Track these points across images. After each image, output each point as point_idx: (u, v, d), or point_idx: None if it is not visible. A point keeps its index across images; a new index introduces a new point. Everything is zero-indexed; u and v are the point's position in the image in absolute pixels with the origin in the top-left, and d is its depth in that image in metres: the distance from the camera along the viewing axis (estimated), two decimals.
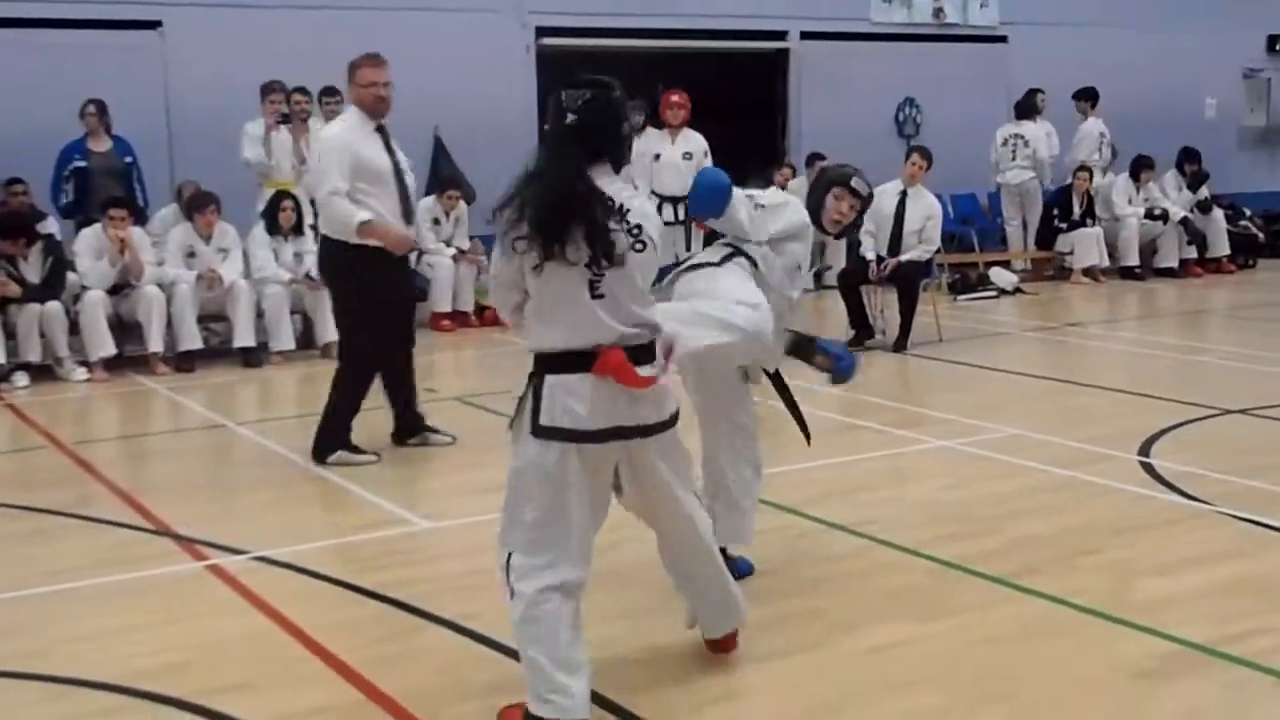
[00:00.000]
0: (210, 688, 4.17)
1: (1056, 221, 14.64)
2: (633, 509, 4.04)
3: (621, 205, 3.63)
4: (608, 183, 3.66)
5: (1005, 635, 4.56)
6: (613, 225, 3.59)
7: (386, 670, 4.30)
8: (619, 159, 3.72)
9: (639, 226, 3.65)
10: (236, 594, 5.12)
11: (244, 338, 10.32)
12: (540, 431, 3.64)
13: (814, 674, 4.24)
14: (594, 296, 3.59)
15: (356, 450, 7.05)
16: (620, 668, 4.14)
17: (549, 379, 3.64)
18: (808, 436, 5.06)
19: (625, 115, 3.74)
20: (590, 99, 3.64)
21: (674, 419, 3.84)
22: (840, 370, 5.03)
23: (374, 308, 6.90)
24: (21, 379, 9.61)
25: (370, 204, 6.76)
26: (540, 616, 3.66)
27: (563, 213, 3.54)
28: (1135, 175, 15.05)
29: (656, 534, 4.09)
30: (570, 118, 3.62)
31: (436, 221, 12.02)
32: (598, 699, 3.94)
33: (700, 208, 4.72)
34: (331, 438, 7.03)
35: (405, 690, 4.13)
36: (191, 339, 10.21)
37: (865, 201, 5.04)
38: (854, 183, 5.00)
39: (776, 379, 4.99)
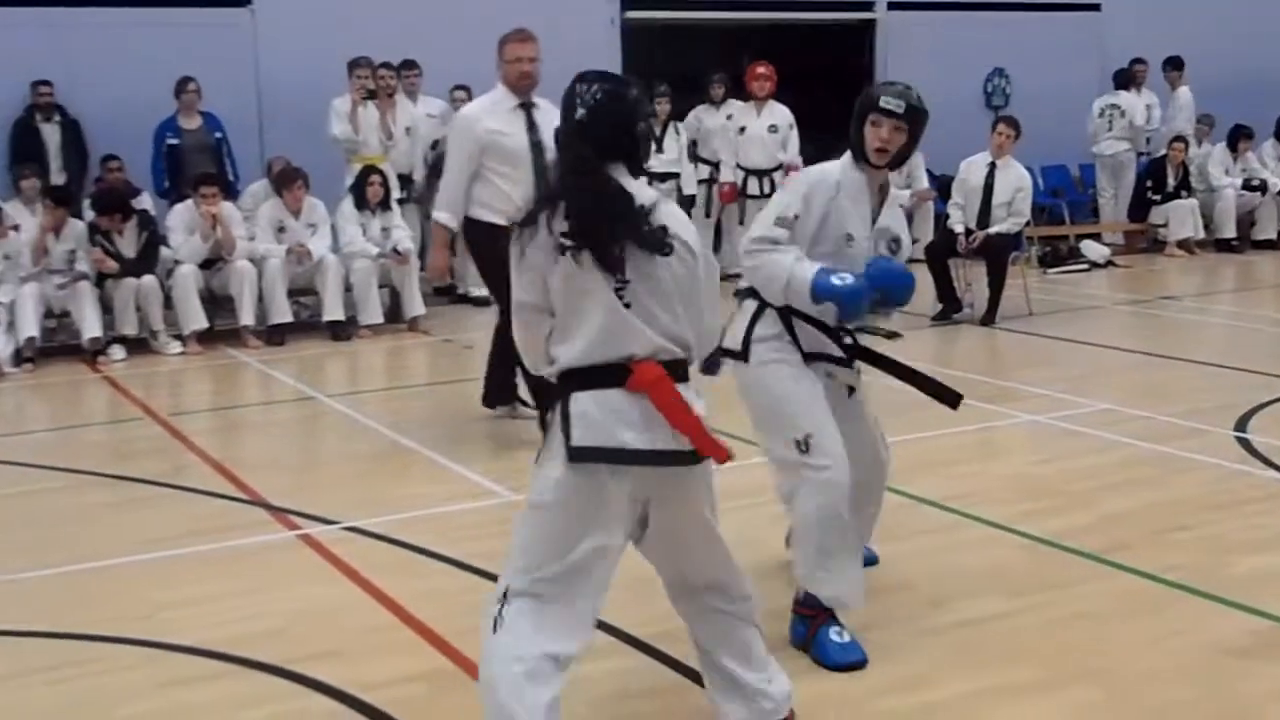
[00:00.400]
0: (301, 655, 4.25)
1: (1150, 193, 14.37)
2: (658, 552, 3.47)
3: (643, 205, 3.23)
4: (625, 183, 3.28)
5: (1097, 611, 4.50)
6: (639, 223, 3.20)
7: (474, 639, 4.28)
8: (635, 160, 3.33)
9: (663, 228, 3.23)
10: (327, 563, 5.20)
11: (333, 311, 10.45)
12: (575, 454, 3.18)
13: (904, 648, 4.21)
14: (618, 307, 3.20)
15: (524, 403, 7.14)
16: None
17: (578, 396, 3.22)
18: (952, 399, 4.33)
19: (642, 115, 3.36)
20: (601, 94, 3.29)
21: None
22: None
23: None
24: (118, 352, 9.82)
25: (499, 183, 6.77)
26: (524, 683, 3.15)
27: (580, 207, 3.19)
28: (1232, 145, 14.73)
29: (685, 591, 3.52)
30: (580, 113, 3.28)
31: None
32: (677, 665, 3.95)
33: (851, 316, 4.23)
34: (497, 388, 7.14)
35: None
36: (282, 312, 10.35)
37: (907, 118, 4.18)
38: (883, 102, 4.20)
39: (885, 361, 4.36)
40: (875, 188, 4.32)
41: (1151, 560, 4.92)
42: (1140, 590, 4.69)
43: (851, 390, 4.41)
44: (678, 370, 3.28)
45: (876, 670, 4.08)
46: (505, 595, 3.25)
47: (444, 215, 6.85)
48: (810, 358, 4.25)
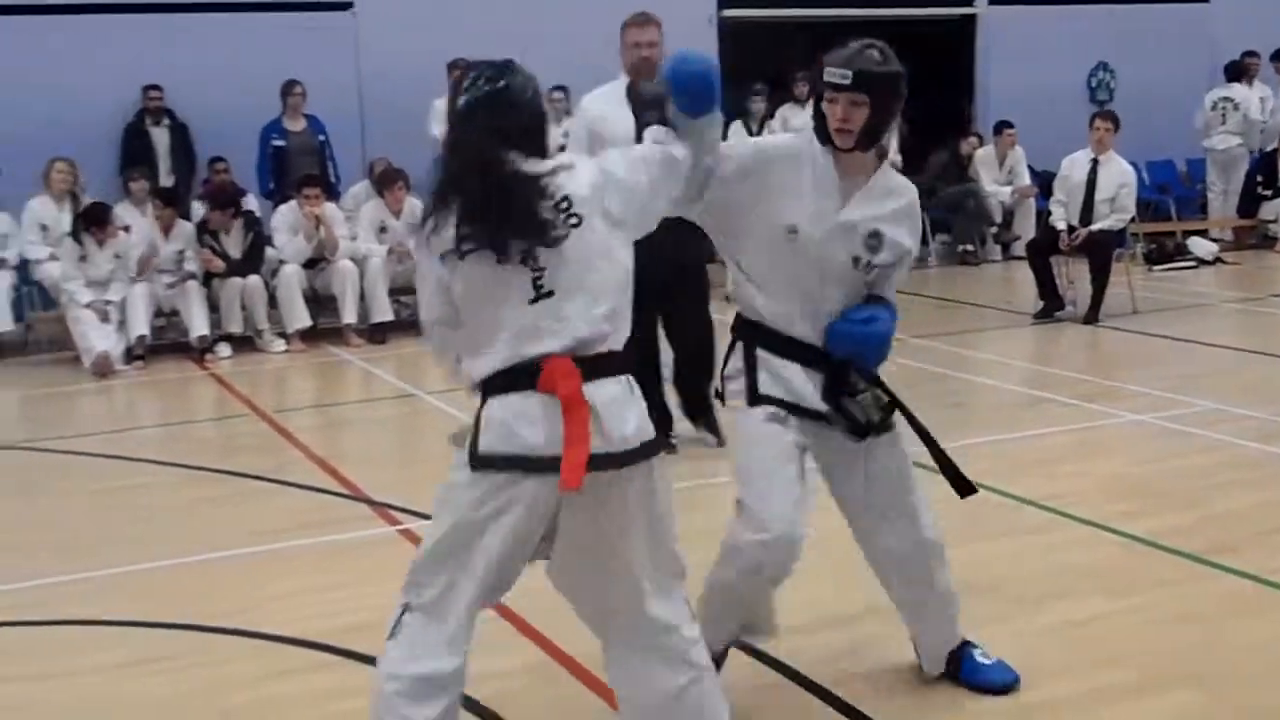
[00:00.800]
0: None
1: (1260, 189, 14.04)
2: (567, 581, 3.27)
3: (543, 184, 2.98)
4: (522, 167, 3.01)
5: (1199, 613, 4.42)
6: (536, 205, 2.96)
7: (571, 633, 4.34)
8: (532, 142, 3.05)
9: (565, 200, 2.99)
10: None
11: None
12: (479, 462, 3.02)
13: (1000, 649, 4.16)
14: (537, 298, 2.97)
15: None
16: (798, 637, 4.15)
17: (491, 402, 3.02)
18: (964, 489, 3.75)
19: (527, 92, 3.07)
20: (483, 81, 3.04)
21: (653, 445, 3.08)
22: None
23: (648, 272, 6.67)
24: (224, 350, 10.04)
25: None
26: (399, 702, 3.07)
27: (472, 204, 2.96)
28: None
29: (605, 634, 3.32)
30: (463, 100, 3.04)
31: None
32: (768, 661, 3.94)
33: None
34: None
35: (588, 652, 4.17)
36: (383, 311, 10.50)
37: (862, 88, 3.45)
38: (828, 75, 3.49)
39: (917, 425, 3.73)
40: (852, 174, 3.59)
41: (1258, 562, 4.82)
42: (1246, 592, 4.60)
43: (865, 434, 3.64)
44: (603, 365, 3.02)
45: None
46: (406, 607, 3.12)
47: None
48: (769, 401, 3.61)
